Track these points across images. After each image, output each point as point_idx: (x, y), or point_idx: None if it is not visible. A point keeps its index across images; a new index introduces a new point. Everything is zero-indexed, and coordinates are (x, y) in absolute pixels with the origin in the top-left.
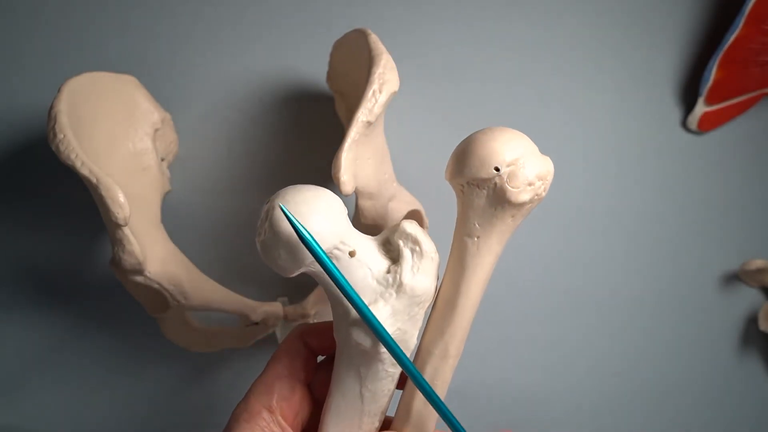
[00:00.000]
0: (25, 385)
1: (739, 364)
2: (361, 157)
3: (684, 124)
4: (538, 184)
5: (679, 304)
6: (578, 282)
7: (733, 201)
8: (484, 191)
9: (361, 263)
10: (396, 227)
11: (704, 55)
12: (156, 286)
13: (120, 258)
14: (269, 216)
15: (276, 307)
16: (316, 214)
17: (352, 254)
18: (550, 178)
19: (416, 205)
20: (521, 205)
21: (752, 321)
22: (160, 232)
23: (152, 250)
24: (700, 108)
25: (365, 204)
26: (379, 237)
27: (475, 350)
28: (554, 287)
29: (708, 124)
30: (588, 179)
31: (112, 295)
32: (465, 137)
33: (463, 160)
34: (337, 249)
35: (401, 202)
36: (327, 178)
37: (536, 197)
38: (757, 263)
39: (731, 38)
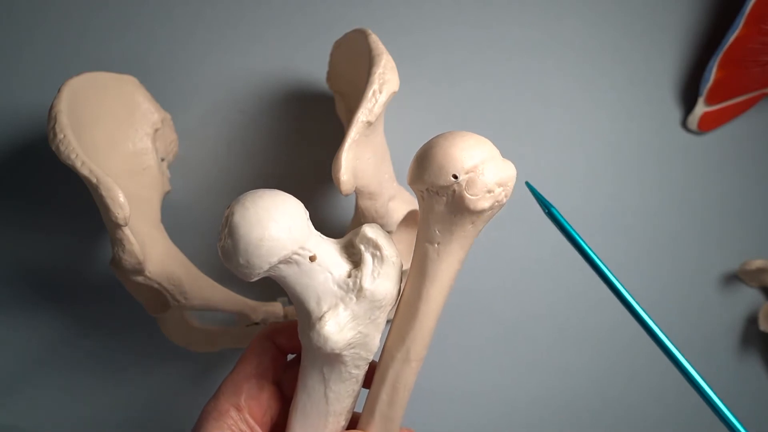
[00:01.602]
0: (24, 385)
1: (739, 364)
2: (361, 157)
3: (684, 124)
4: (498, 191)
5: (678, 304)
6: (577, 282)
7: (733, 201)
8: (443, 198)
9: (322, 268)
10: (358, 230)
11: (704, 55)
12: (156, 285)
13: (120, 258)
14: (228, 222)
15: (276, 307)
16: (274, 220)
17: (312, 259)
18: (511, 184)
19: (416, 205)
20: (480, 212)
21: (752, 321)
22: (160, 232)
23: (152, 250)
24: (700, 108)
25: (365, 204)
26: (342, 240)
27: (473, 350)
28: (553, 287)
29: (708, 124)
30: (588, 179)
31: (112, 295)
32: (426, 141)
33: (422, 166)
34: (297, 254)
35: (401, 202)
36: (327, 178)
37: (497, 204)
38: (757, 263)
39: (731, 38)
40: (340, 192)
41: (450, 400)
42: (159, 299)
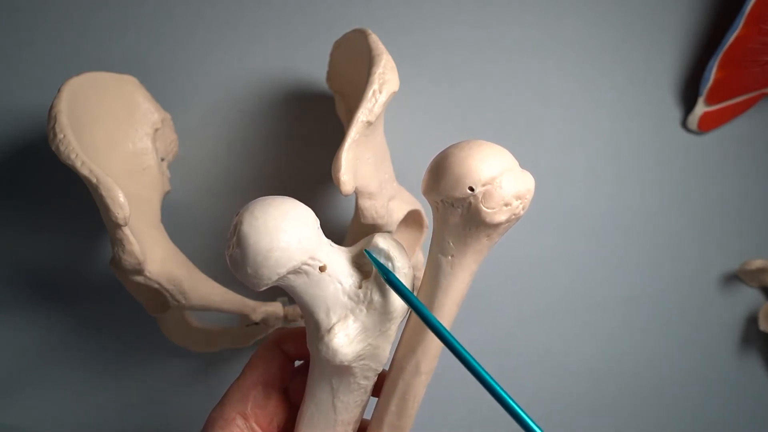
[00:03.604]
0: (25, 385)
1: (739, 364)
2: (361, 157)
3: (684, 124)
4: (515, 203)
5: (679, 304)
6: (577, 282)
7: (733, 201)
8: (459, 210)
9: (332, 278)
10: (370, 239)
11: (704, 55)
12: (156, 285)
13: (120, 258)
14: (237, 230)
15: (276, 307)
16: (283, 230)
17: (322, 269)
18: (529, 196)
19: (416, 205)
20: (497, 225)
21: (752, 321)
22: (159, 232)
23: (152, 250)
24: (700, 108)
25: (365, 204)
26: (353, 249)
27: (469, 350)
28: (553, 288)
29: (708, 124)
30: (588, 179)
31: (112, 295)
32: (441, 150)
33: (437, 177)
34: (307, 264)
35: (401, 201)
36: (327, 178)
37: (513, 217)
38: (757, 263)
39: (731, 38)
40: (341, 192)
41: (452, 402)
42: (159, 299)
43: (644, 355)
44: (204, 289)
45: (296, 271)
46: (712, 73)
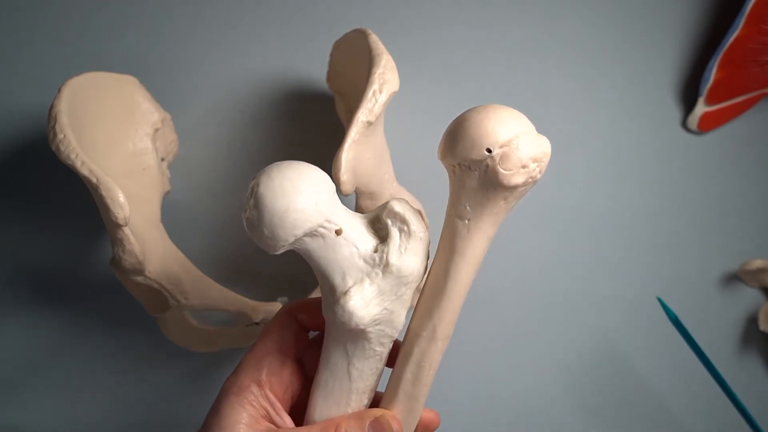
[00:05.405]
0: (25, 385)
1: (739, 364)
2: (361, 157)
3: (684, 124)
4: (532, 166)
5: (679, 304)
6: (577, 282)
7: (733, 201)
8: (476, 173)
9: (348, 242)
10: (385, 205)
11: (704, 55)
12: (156, 285)
13: (120, 258)
14: (254, 192)
15: (276, 307)
16: (300, 192)
17: (338, 232)
18: (546, 160)
19: (416, 205)
20: (514, 188)
21: (752, 321)
22: (159, 232)
23: (152, 250)
24: (700, 108)
25: (365, 204)
26: (369, 215)
27: (471, 350)
28: (553, 287)
29: (708, 124)
30: (588, 179)
31: (112, 295)
32: (458, 114)
33: (454, 140)
34: (323, 227)
35: None
36: None
37: (530, 180)
38: (757, 263)
39: (731, 38)
40: (341, 192)
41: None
42: (159, 299)
43: (644, 355)
44: (204, 289)
45: (312, 234)
46: (712, 73)
